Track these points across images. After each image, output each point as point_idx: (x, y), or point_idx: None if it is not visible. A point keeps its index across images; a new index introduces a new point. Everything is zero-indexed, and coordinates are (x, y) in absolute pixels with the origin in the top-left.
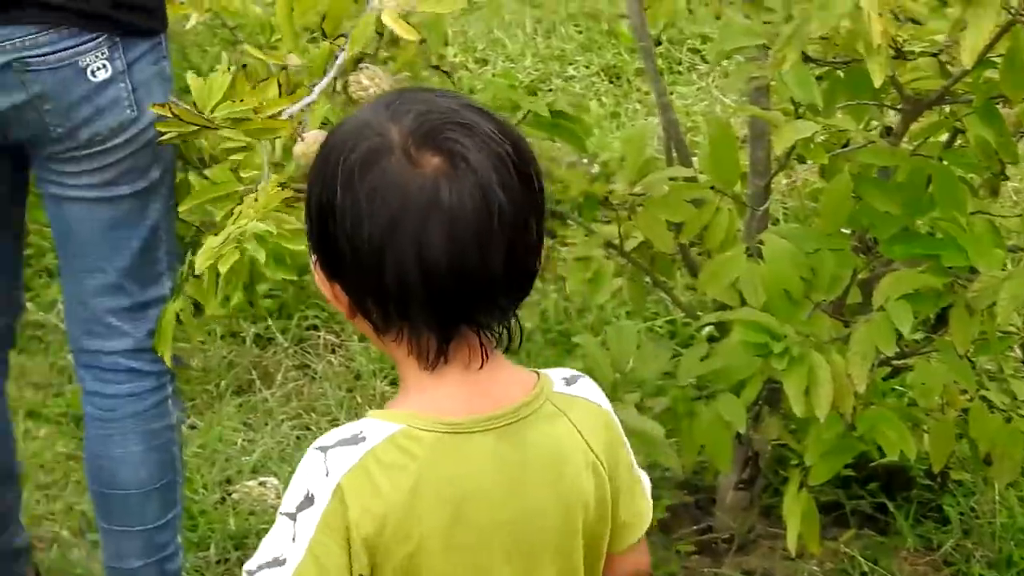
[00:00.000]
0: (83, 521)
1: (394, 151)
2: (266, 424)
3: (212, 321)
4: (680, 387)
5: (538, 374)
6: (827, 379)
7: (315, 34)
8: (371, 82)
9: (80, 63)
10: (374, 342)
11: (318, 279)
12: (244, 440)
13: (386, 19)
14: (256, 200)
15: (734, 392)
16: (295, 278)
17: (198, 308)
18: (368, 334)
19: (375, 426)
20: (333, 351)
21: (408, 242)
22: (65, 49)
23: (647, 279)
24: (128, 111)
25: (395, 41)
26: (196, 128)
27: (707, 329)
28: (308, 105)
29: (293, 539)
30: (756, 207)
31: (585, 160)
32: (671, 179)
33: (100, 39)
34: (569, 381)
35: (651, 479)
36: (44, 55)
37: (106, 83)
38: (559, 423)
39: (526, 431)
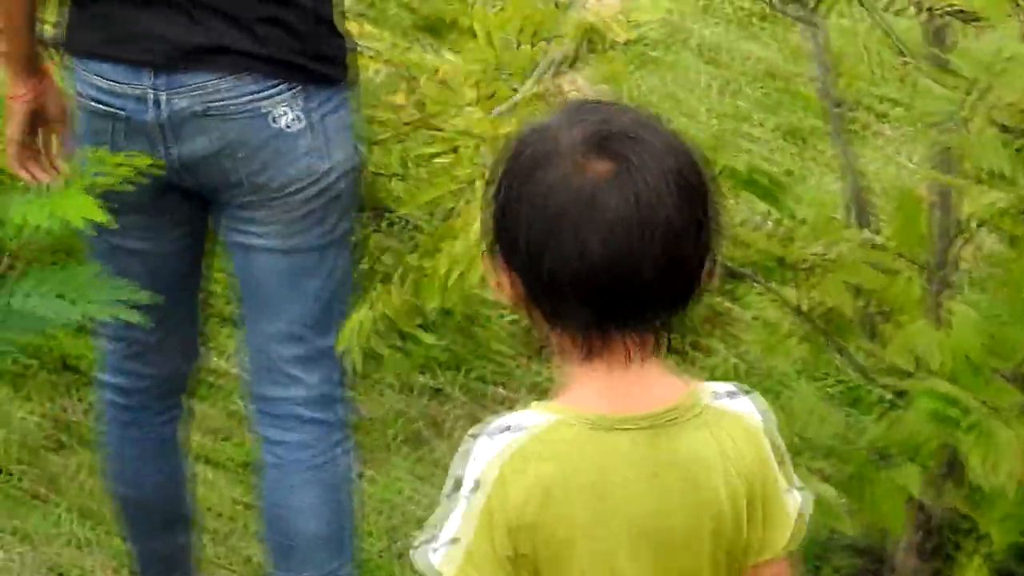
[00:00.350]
0: (255, 568)
1: (565, 154)
2: (436, 476)
3: (385, 372)
4: (857, 452)
5: (692, 384)
6: (1010, 450)
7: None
8: (572, 87)
9: (267, 111)
10: (536, 333)
11: (486, 268)
12: (414, 492)
13: (594, 17)
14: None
15: (913, 459)
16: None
17: (371, 358)
18: (531, 325)
19: (527, 417)
20: (504, 403)
21: (568, 242)
22: (253, 96)
23: (825, 342)
24: (312, 160)
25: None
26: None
27: (884, 394)
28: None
29: (448, 520)
30: (939, 274)
31: (760, 219)
32: (855, 243)
33: (287, 87)
34: (728, 395)
35: (825, 543)
36: (232, 102)
37: (289, 131)
38: (703, 432)
39: (669, 435)
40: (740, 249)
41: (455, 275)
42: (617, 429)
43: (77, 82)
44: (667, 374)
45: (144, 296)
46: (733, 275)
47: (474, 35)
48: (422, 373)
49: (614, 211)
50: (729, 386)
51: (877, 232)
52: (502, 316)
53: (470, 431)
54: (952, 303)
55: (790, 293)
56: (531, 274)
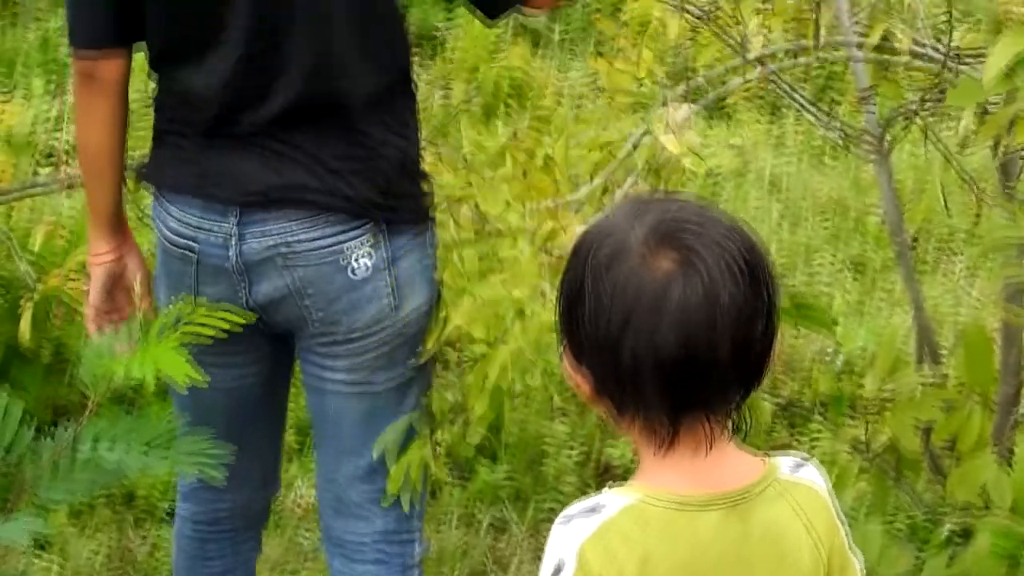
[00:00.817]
0: None
1: (633, 251)
2: None
3: (449, 505)
4: None
5: (766, 459)
6: None
7: None
8: None
9: (344, 253)
10: (613, 424)
11: (564, 365)
12: None
13: (667, 143)
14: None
15: None
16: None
17: (434, 495)
18: (607, 417)
19: (612, 498)
20: None
21: (642, 335)
22: (330, 239)
23: (891, 479)
24: (389, 301)
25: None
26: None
27: (946, 531)
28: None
29: None
30: (1007, 411)
31: (829, 353)
32: (921, 381)
33: (366, 229)
34: (795, 467)
35: None
36: (308, 243)
37: (368, 274)
38: (783, 505)
39: (751, 511)
40: (805, 385)
41: (505, 377)
42: (704, 509)
43: (158, 216)
44: (742, 452)
45: (227, 453)
46: (794, 408)
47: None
48: (485, 507)
49: (685, 302)
50: (795, 458)
51: (940, 366)
52: (569, 449)
53: (558, 517)
54: (1018, 439)
55: (854, 430)
56: (607, 367)
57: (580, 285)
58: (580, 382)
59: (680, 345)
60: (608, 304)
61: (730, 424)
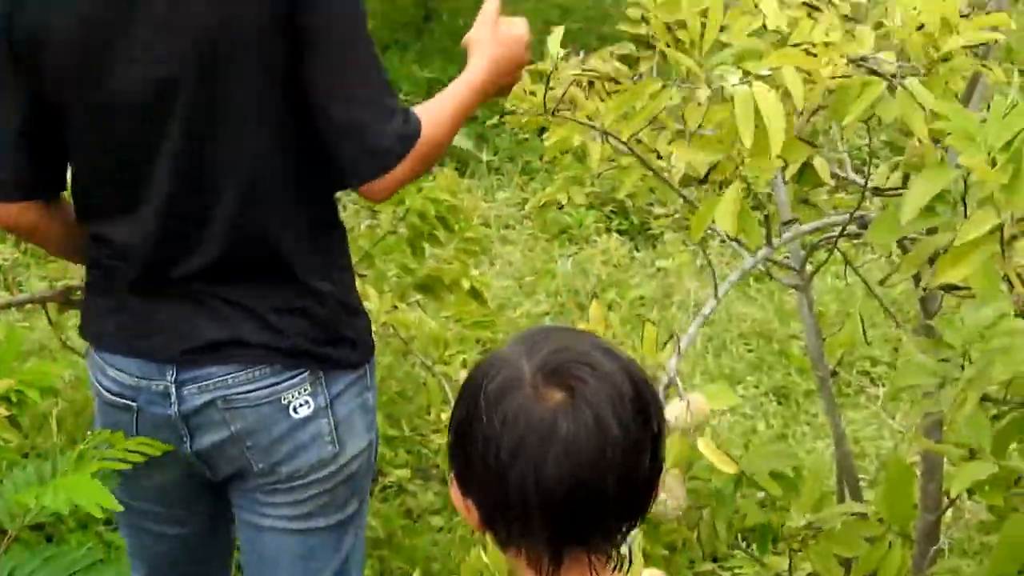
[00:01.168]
0: None
1: (524, 385)
2: None
3: None
4: None
5: None
6: None
7: None
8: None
9: (282, 400)
10: (500, 553)
11: (453, 492)
12: None
13: (704, 448)
14: None
15: None
16: None
17: None
18: (494, 545)
19: None
20: None
21: (529, 468)
22: (268, 389)
23: None
24: (329, 447)
25: None
26: None
27: None
28: None
29: None
30: (926, 543)
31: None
32: (843, 514)
33: (303, 375)
34: None
35: None
36: (246, 393)
37: (308, 419)
38: None
39: None
40: (732, 516)
41: None
42: None
43: (95, 369)
44: None
45: None
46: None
47: (474, 295)
48: None
49: (573, 435)
50: None
51: (862, 498)
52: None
53: None
54: (938, 571)
55: (779, 562)
56: (494, 498)
57: (471, 416)
58: (468, 511)
59: (567, 478)
60: (498, 435)
61: (614, 557)
